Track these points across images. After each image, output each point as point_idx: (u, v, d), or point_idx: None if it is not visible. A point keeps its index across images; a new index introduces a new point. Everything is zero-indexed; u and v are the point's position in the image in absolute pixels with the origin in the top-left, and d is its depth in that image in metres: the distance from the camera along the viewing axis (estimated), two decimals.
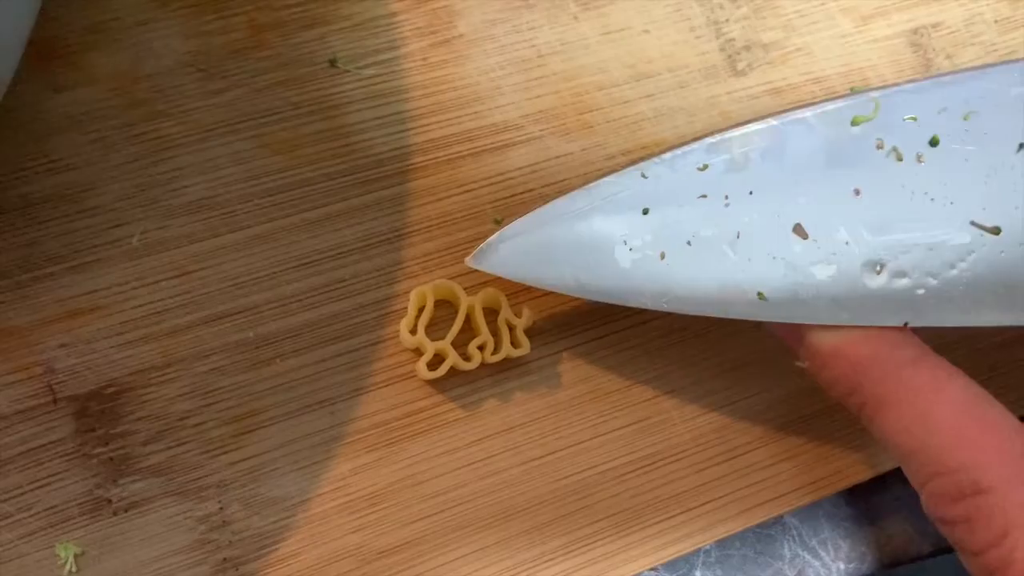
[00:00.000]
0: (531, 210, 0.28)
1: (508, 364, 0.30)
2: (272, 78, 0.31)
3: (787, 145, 0.27)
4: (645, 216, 0.27)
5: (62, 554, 0.27)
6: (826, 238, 0.26)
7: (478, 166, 0.31)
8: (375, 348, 0.29)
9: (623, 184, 0.27)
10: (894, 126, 0.27)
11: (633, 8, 0.34)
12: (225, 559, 0.27)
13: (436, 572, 0.28)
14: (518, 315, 0.30)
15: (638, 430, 0.30)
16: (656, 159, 0.27)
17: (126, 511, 0.27)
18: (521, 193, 0.32)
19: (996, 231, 0.26)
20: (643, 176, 0.27)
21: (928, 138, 0.27)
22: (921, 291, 0.26)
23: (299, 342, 0.29)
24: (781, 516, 0.31)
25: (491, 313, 0.30)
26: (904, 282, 0.26)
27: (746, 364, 0.31)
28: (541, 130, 0.32)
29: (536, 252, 0.27)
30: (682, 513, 0.30)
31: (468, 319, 0.30)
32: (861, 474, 0.31)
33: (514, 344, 0.29)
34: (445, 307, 0.30)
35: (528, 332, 0.30)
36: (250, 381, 0.29)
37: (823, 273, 0.26)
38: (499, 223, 0.31)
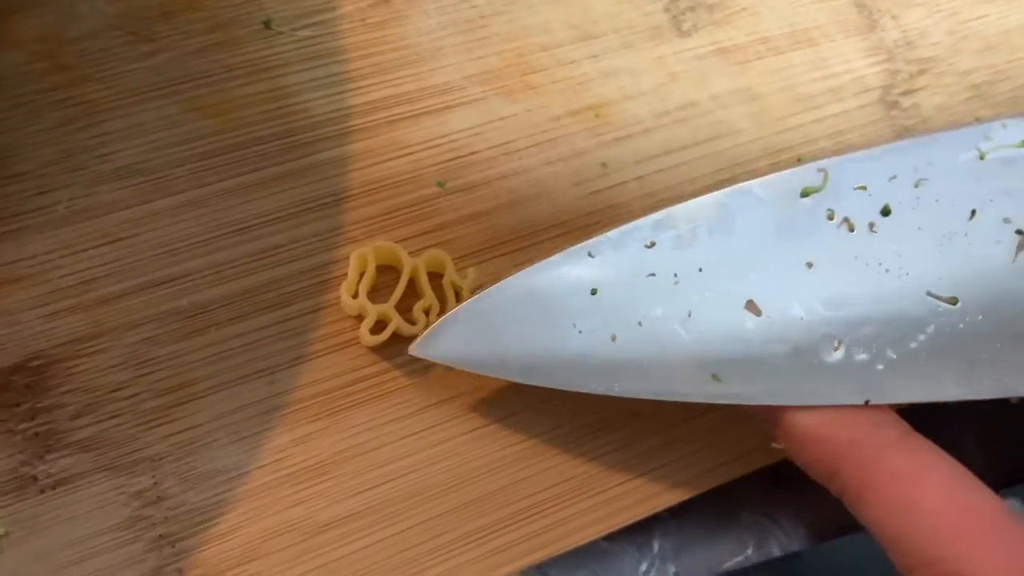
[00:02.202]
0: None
1: None
2: (205, 40, 0.30)
3: (735, 219, 0.26)
4: (594, 296, 0.26)
5: None
6: (780, 314, 0.26)
7: (419, 128, 0.31)
8: (315, 315, 0.28)
9: (570, 264, 0.26)
10: (844, 196, 0.26)
11: None
12: (160, 536, 0.26)
13: (383, 544, 0.27)
14: (464, 277, 0.29)
15: (586, 395, 0.30)
16: (603, 237, 0.26)
17: (54, 488, 0.26)
18: (465, 155, 0.31)
19: (953, 301, 0.26)
20: (590, 255, 0.26)
21: (880, 207, 0.26)
22: (880, 366, 0.25)
23: (235, 310, 0.28)
24: (740, 480, 0.30)
25: (436, 277, 0.29)
26: (863, 357, 0.25)
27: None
28: (484, 91, 0.31)
29: (482, 337, 0.26)
30: (637, 477, 0.29)
31: (412, 282, 0.29)
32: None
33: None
34: (389, 272, 0.29)
35: (476, 292, 0.29)
36: (185, 351, 0.28)
37: (779, 350, 0.25)
38: (442, 186, 0.30)
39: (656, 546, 0.32)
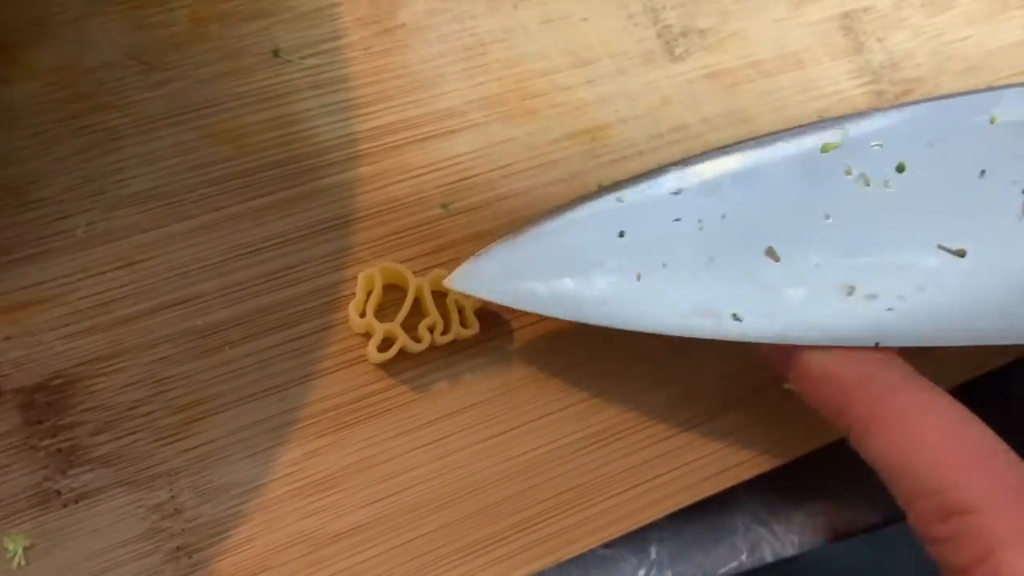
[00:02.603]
0: (508, 232, 0.28)
1: (458, 346, 0.30)
2: (215, 69, 0.31)
3: (759, 171, 0.28)
4: (621, 239, 0.27)
5: (11, 547, 0.26)
6: (798, 261, 0.27)
7: (424, 152, 0.32)
8: (324, 334, 0.30)
9: (599, 208, 0.28)
10: (862, 153, 0.28)
11: None
12: (178, 547, 0.27)
13: (391, 554, 0.28)
14: (467, 296, 0.30)
15: (589, 407, 0.31)
16: (631, 184, 0.28)
17: (76, 502, 0.27)
18: (468, 178, 0.32)
19: (961, 253, 0.27)
20: (619, 200, 0.27)
21: (895, 164, 0.28)
22: (891, 312, 0.27)
23: (247, 329, 0.29)
24: (734, 489, 0.32)
25: (441, 295, 0.30)
26: (874, 302, 0.27)
27: (693, 342, 0.32)
28: (485, 116, 0.33)
29: (514, 273, 0.27)
30: (634, 487, 0.30)
31: (417, 302, 0.30)
32: (811, 444, 0.32)
33: (464, 324, 0.30)
34: (394, 292, 0.30)
35: (478, 313, 0.30)
36: (199, 369, 0.29)
37: (795, 295, 0.27)
38: (445, 208, 0.31)
39: (653, 552, 0.33)
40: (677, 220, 0.27)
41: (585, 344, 0.31)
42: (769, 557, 0.34)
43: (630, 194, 0.28)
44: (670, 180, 0.28)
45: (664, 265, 0.27)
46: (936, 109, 0.28)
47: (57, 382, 0.28)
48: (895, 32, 0.37)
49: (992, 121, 0.28)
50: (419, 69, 0.32)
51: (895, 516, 0.35)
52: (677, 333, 0.27)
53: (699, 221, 0.27)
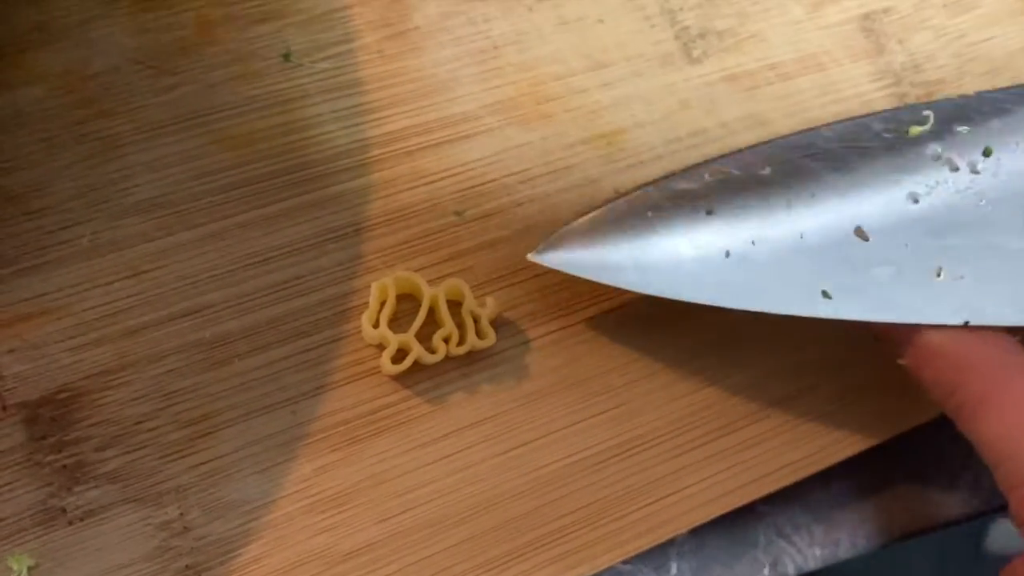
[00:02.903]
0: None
1: (475, 356, 0.29)
2: (224, 74, 0.30)
3: (848, 151, 0.28)
4: (709, 216, 0.27)
5: (15, 567, 0.25)
6: (886, 241, 0.27)
7: (437, 158, 0.31)
8: (336, 345, 0.29)
9: (687, 183, 0.28)
10: (949, 136, 0.28)
11: None
12: (187, 566, 0.26)
13: (405, 572, 0.28)
14: (483, 305, 0.29)
15: (610, 418, 0.30)
16: (719, 161, 0.28)
17: (82, 520, 0.26)
18: (482, 184, 0.31)
19: None
20: (707, 177, 0.27)
21: (982, 148, 0.28)
22: (980, 291, 0.27)
23: (257, 341, 0.28)
24: (755, 503, 0.31)
25: (455, 305, 0.29)
26: (963, 282, 0.27)
27: (718, 349, 0.31)
28: (500, 120, 0.32)
29: (600, 248, 0.27)
30: (657, 501, 0.29)
31: (432, 311, 0.29)
32: (834, 457, 0.31)
33: (479, 335, 0.29)
34: (408, 301, 0.30)
35: (494, 322, 0.29)
36: (207, 382, 0.28)
37: (884, 274, 0.27)
38: (459, 215, 0.31)
39: (674, 567, 0.32)
40: (766, 199, 0.27)
41: (605, 353, 0.30)
42: (792, 571, 0.33)
43: (718, 172, 0.28)
44: (758, 159, 0.28)
45: (753, 243, 0.27)
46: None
47: (63, 396, 0.27)
48: (916, 33, 0.36)
49: None
50: (432, 73, 0.32)
51: (916, 531, 0.34)
52: (765, 310, 0.27)
53: (788, 201, 0.27)
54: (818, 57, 0.35)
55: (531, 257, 0.27)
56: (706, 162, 0.28)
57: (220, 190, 0.29)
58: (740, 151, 0.28)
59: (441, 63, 0.32)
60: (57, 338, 0.27)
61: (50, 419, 0.27)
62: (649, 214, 0.27)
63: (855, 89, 0.35)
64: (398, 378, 0.29)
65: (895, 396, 0.31)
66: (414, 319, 0.29)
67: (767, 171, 0.28)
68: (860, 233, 0.27)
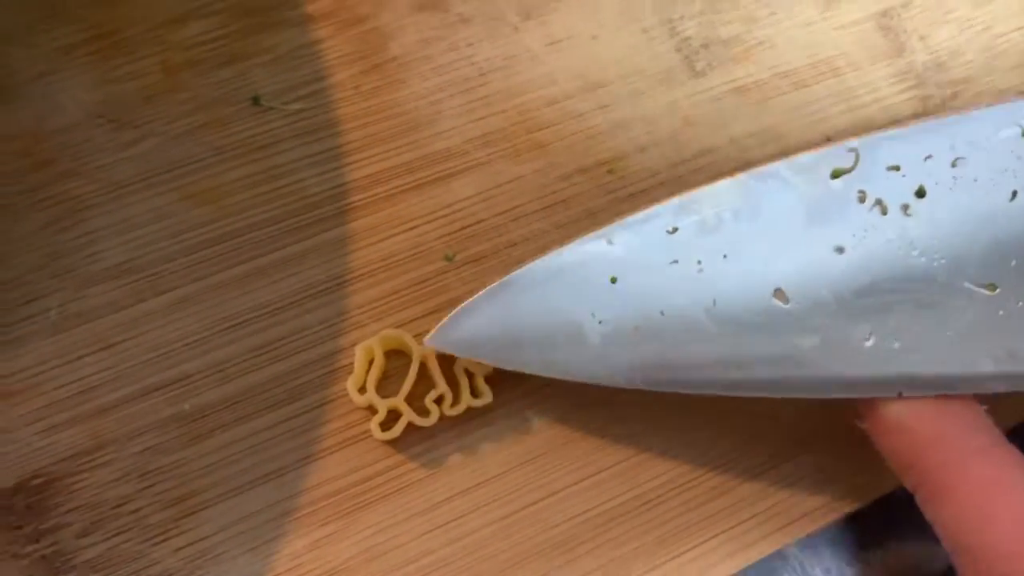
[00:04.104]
0: (490, 281, 0.25)
1: (471, 413, 0.27)
2: (190, 123, 0.28)
3: (762, 202, 0.25)
4: (613, 285, 0.25)
5: None
6: (809, 302, 0.24)
7: (422, 200, 0.29)
8: (323, 410, 0.27)
9: (588, 252, 0.25)
10: (877, 177, 0.25)
11: (578, 13, 0.31)
12: None
13: None
14: (477, 361, 0.27)
15: (618, 472, 0.28)
16: (621, 223, 0.25)
17: None
18: (472, 224, 0.29)
19: (992, 288, 0.24)
20: (609, 243, 0.25)
21: (914, 188, 0.25)
22: (915, 356, 0.24)
23: (239, 411, 0.27)
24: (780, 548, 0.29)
25: (449, 360, 0.27)
26: (896, 347, 0.24)
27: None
28: (488, 154, 0.30)
29: (498, 329, 0.25)
30: (672, 559, 0.28)
31: (424, 368, 0.27)
32: (862, 499, 0.29)
33: (475, 393, 0.27)
34: (399, 357, 0.28)
35: (490, 378, 0.27)
36: (189, 458, 0.26)
37: (808, 341, 0.24)
38: (449, 259, 0.29)
39: None
40: (674, 262, 0.25)
41: (609, 403, 0.28)
42: None
43: (621, 235, 0.25)
44: (665, 218, 0.25)
45: (662, 313, 0.25)
46: (959, 124, 0.25)
47: (37, 482, 0.26)
48: (939, 28, 0.33)
49: (1023, 134, 0.25)
50: (414, 107, 0.30)
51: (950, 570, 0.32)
52: (678, 390, 0.25)
53: (699, 262, 0.25)
54: (833, 61, 0.32)
55: (427, 341, 0.25)
56: (608, 228, 0.25)
57: (192, 249, 0.28)
58: (643, 211, 0.25)
59: (423, 95, 0.30)
60: (27, 421, 0.26)
61: (25, 507, 0.25)
62: (550, 288, 0.25)
63: (875, 94, 0.32)
64: (391, 442, 0.27)
65: None
66: (405, 376, 0.27)
67: (674, 232, 0.25)
68: (779, 295, 0.24)
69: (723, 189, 0.25)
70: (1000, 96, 0.33)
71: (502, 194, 0.29)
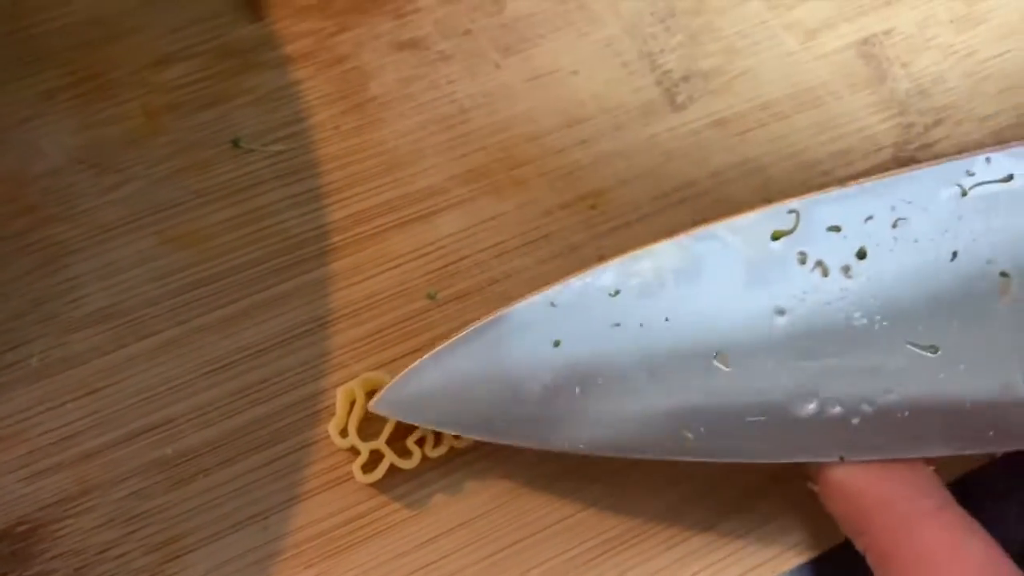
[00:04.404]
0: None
1: (455, 452, 0.27)
2: (172, 166, 0.28)
3: (703, 265, 0.25)
4: (556, 348, 0.25)
5: None
6: (750, 366, 0.24)
7: (405, 238, 0.29)
8: (307, 451, 0.27)
9: (531, 315, 0.25)
10: (817, 238, 0.25)
11: (559, 48, 0.31)
12: None
13: None
14: None
15: (605, 508, 0.28)
16: (565, 285, 0.25)
17: None
18: (455, 262, 0.29)
19: (934, 350, 0.24)
20: (552, 305, 0.25)
21: (855, 250, 0.25)
22: (856, 420, 0.24)
23: (223, 454, 0.27)
24: None
25: None
26: (837, 411, 0.24)
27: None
28: (470, 191, 0.30)
29: (441, 393, 0.25)
30: None
31: None
32: (816, 549, 0.29)
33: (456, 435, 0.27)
34: None
35: None
36: (173, 502, 0.26)
37: (749, 404, 0.24)
38: (432, 297, 0.29)
39: None
40: (616, 325, 0.25)
41: None
42: None
43: (564, 297, 0.25)
44: (607, 279, 0.25)
45: (604, 376, 0.25)
46: (899, 183, 0.25)
47: (21, 528, 0.26)
48: (921, 55, 0.33)
49: (963, 194, 0.25)
50: (395, 145, 0.30)
51: None
52: (620, 455, 0.25)
53: (640, 325, 0.25)
54: (815, 91, 0.32)
55: (372, 407, 0.25)
56: (549, 290, 0.25)
57: (175, 293, 0.28)
58: (585, 273, 0.25)
59: (404, 134, 0.30)
60: (11, 468, 0.26)
61: (10, 554, 0.25)
62: (492, 351, 0.25)
63: (857, 124, 0.32)
64: (375, 483, 0.27)
65: None
66: (386, 421, 0.27)
67: (616, 294, 0.25)
68: (720, 359, 0.24)
69: (664, 250, 0.25)
70: (982, 123, 0.33)
71: (485, 231, 0.29)
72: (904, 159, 0.32)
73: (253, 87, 0.29)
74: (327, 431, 0.27)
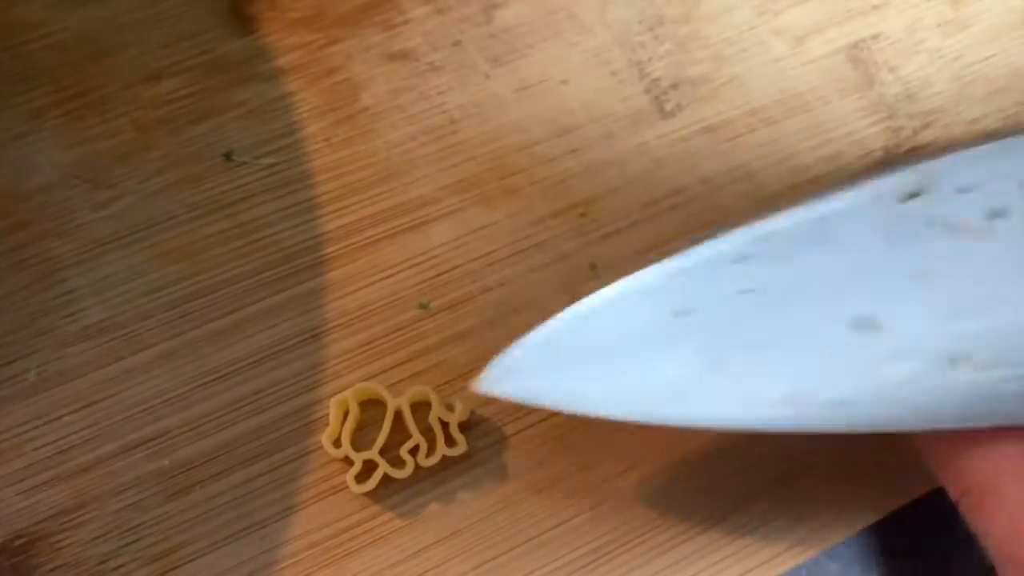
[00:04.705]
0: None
1: (448, 461, 0.28)
2: (164, 180, 0.29)
3: (834, 230, 0.23)
4: (682, 319, 0.23)
5: None
6: (895, 331, 0.23)
7: (397, 248, 0.29)
8: (302, 461, 0.27)
9: (649, 283, 0.23)
10: (951, 199, 0.24)
11: (548, 58, 0.31)
12: None
13: None
14: (451, 410, 0.27)
15: (596, 515, 0.28)
16: (688, 254, 0.24)
17: None
18: (447, 271, 0.29)
19: None
20: (667, 277, 0.23)
21: (992, 209, 0.23)
22: (1014, 384, 0.22)
23: (219, 465, 0.27)
24: None
25: (425, 407, 0.28)
26: (993, 375, 0.23)
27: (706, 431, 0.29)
28: (461, 201, 0.30)
29: (558, 370, 0.23)
30: None
31: (399, 416, 0.27)
32: (842, 533, 0.29)
33: (449, 443, 0.27)
34: (375, 407, 0.28)
35: (466, 424, 0.28)
36: (170, 513, 0.27)
37: (897, 372, 0.23)
38: (424, 307, 0.29)
39: None
40: (746, 292, 0.23)
41: (585, 447, 0.28)
42: None
43: (688, 266, 0.23)
44: (731, 245, 0.23)
45: (737, 347, 0.23)
46: None
47: (19, 542, 0.26)
48: (909, 59, 0.33)
49: None
50: (386, 156, 0.30)
51: None
52: (761, 430, 0.23)
53: (769, 293, 0.23)
54: (803, 96, 0.32)
55: (474, 388, 0.24)
56: (672, 259, 0.23)
57: (169, 306, 0.28)
58: (705, 243, 0.24)
59: (395, 145, 0.30)
60: (9, 481, 0.26)
61: (8, 568, 0.26)
62: (608, 321, 0.23)
63: (846, 128, 0.32)
64: (369, 492, 0.27)
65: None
66: (381, 427, 0.27)
67: (742, 260, 0.24)
68: (863, 324, 0.23)
69: (788, 219, 0.24)
70: (969, 126, 0.33)
71: (476, 240, 0.30)
72: (893, 162, 0.32)
73: (244, 100, 0.30)
74: (321, 441, 0.27)
